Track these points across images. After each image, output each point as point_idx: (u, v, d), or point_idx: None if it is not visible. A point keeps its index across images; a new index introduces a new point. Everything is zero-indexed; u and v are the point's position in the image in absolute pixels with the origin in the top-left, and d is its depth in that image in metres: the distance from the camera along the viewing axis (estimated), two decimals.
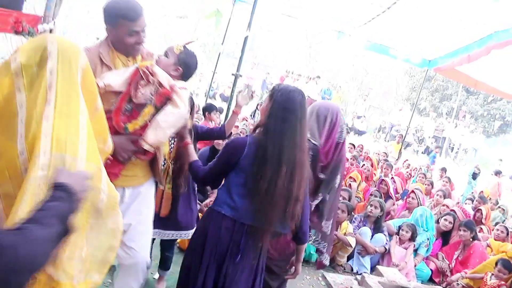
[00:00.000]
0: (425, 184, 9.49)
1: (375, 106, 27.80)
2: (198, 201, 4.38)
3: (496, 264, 5.71)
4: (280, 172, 2.66)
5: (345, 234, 5.81)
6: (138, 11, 2.64)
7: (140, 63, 2.78)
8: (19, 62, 1.71)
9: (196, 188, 4.13)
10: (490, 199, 10.64)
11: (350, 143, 11.01)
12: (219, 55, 10.77)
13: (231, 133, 4.12)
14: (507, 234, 7.21)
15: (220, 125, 4.26)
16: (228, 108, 6.48)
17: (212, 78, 12.33)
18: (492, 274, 5.72)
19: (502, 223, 9.17)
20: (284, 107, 2.72)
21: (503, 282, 5.63)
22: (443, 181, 10.65)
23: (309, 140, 3.24)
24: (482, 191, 11.53)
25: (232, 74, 6.35)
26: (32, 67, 1.72)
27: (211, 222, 2.79)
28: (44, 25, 4.78)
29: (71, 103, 1.75)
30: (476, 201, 9.51)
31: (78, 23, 19.04)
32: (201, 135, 4.00)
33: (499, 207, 10.16)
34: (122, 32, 2.65)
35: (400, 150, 13.69)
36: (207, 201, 5.61)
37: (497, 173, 14.65)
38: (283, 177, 2.67)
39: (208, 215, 2.87)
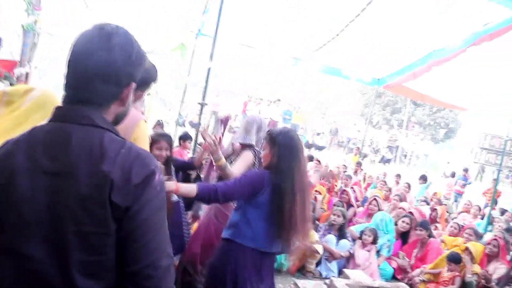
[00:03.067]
0: (384, 190, 9.63)
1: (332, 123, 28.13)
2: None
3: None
4: (296, 201, 2.86)
5: (312, 242, 5.83)
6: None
7: None
8: None
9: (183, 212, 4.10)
10: (446, 199, 10.92)
11: (316, 159, 11.10)
12: (185, 86, 10.77)
13: (202, 164, 4.20)
14: (459, 229, 7.40)
15: (190, 158, 4.30)
16: (197, 134, 6.46)
17: (181, 107, 12.32)
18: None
19: (449, 217, 9.45)
20: (289, 146, 2.95)
21: (457, 274, 5.76)
22: (404, 186, 10.84)
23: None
24: (435, 193, 11.79)
25: (199, 103, 6.36)
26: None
27: (232, 253, 2.88)
28: (20, 69, 4.74)
29: None
30: (433, 202, 9.76)
31: (55, 63, 18.78)
32: (175, 166, 4.00)
33: (445, 204, 10.47)
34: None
35: (358, 161, 13.86)
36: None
37: (452, 175, 15.19)
38: (299, 204, 2.88)
39: (229, 247, 2.92)
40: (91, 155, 1.19)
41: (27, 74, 6.66)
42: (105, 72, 1.25)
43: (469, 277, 5.70)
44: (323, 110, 27.96)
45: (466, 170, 14.80)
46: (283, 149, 2.94)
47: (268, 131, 3.18)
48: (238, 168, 3.49)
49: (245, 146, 3.71)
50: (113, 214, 1.17)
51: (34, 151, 1.22)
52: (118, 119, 1.36)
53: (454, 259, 5.82)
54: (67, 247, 1.16)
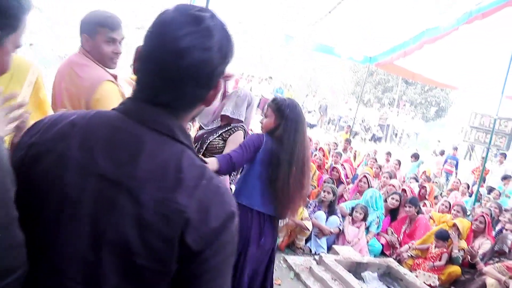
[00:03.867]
0: (374, 168, 9.70)
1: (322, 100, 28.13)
2: None
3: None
4: (291, 172, 3.04)
5: (301, 219, 5.88)
6: (117, 21, 2.49)
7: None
8: None
9: None
10: (435, 177, 11.03)
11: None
12: None
13: None
14: (449, 208, 7.50)
15: None
16: None
17: None
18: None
19: (440, 196, 9.58)
20: (296, 120, 3.13)
21: (444, 250, 5.86)
22: (394, 163, 10.92)
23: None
24: (424, 171, 11.92)
25: None
26: None
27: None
28: None
29: None
30: (422, 179, 9.86)
31: (43, 39, 18.57)
32: None
33: (434, 182, 10.59)
34: (100, 41, 2.45)
35: (348, 138, 13.88)
36: None
37: (441, 153, 15.33)
38: (294, 175, 3.06)
39: None
40: (165, 176, 0.99)
41: None
42: (199, 74, 1.04)
43: (455, 253, 5.81)
44: (314, 88, 27.91)
45: (455, 149, 14.94)
46: (290, 123, 3.10)
47: (274, 100, 3.30)
48: (231, 148, 3.50)
49: (231, 120, 3.70)
50: (180, 254, 0.97)
51: (92, 144, 1.01)
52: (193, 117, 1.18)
53: (442, 236, 5.92)
54: (105, 271, 0.98)
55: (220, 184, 1.07)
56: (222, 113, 3.64)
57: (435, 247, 5.96)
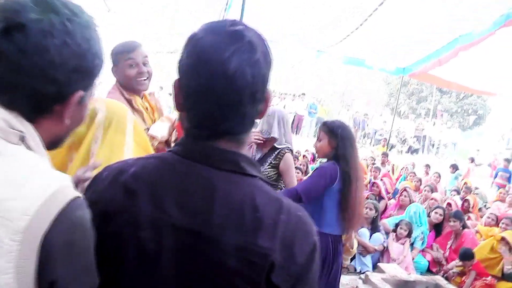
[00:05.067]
0: (414, 181, 9.49)
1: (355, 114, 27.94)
2: None
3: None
4: (358, 188, 3.30)
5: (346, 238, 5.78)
6: (133, 44, 2.61)
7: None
8: None
9: None
10: (476, 188, 10.63)
11: None
12: None
13: None
14: (497, 221, 7.22)
15: None
16: None
17: None
18: None
19: (484, 207, 9.22)
20: (349, 138, 3.36)
21: (470, 268, 5.74)
22: (434, 176, 10.64)
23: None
24: (465, 182, 11.55)
25: None
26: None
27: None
28: None
29: (112, 157, 1.65)
30: (463, 191, 9.54)
31: None
32: None
33: (477, 194, 10.20)
34: (123, 66, 2.58)
35: (385, 152, 13.64)
36: None
37: (472, 160, 14.88)
38: (360, 190, 3.35)
39: None
40: (243, 219, 0.95)
41: None
42: (255, 90, 0.99)
43: (508, 268, 5.57)
44: (348, 102, 27.75)
45: (508, 161, 14.16)
46: (346, 142, 3.31)
47: (325, 123, 3.47)
48: (291, 176, 3.66)
49: (270, 142, 3.69)
50: None
51: (162, 196, 0.97)
52: None
53: (466, 256, 5.72)
54: None
55: (300, 212, 1.02)
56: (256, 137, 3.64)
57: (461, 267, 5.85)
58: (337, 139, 3.31)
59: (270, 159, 3.60)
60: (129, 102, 2.59)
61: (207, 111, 0.98)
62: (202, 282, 0.94)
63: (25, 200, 0.78)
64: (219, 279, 0.93)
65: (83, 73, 0.95)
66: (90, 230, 0.88)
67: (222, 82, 0.94)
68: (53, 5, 0.88)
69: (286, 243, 0.95)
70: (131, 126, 1.82)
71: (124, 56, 2.57)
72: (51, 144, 0.99)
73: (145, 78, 2.63)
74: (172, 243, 0.95)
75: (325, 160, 3.50)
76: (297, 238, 0.97)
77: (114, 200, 0.99)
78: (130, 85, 2.61)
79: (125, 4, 9.18)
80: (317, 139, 3.45)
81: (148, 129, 2.61)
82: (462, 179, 11.58)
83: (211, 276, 0.94)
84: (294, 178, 3.68)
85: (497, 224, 7.07)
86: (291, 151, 3.74)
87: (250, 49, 0.97)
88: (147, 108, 2.74)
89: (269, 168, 3.56)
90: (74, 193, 0.85)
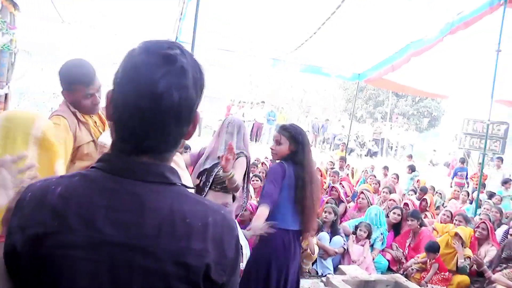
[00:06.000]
0: (373, 183, 9.70)
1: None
2: None
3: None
4: (313, 190, 3.47)
5: (307, 244, 5.84)
6: (91, 75, 2.55)
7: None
8: None
9: None
10: (432, 187, 10.97)
11: None
12: None
13: None
14: (451, 218, 7.48)
15: None
16: None
17: None
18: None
19: (442, 206, 9.53)
20: (307, 144, 3.55)
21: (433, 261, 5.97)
22: (392, 177, 10.88)
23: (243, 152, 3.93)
24: (418, 181, 11.88)
25: None
26: None
27: (269, 237, 3.26)
28: None
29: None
30: (418, 193, 9.82)
31: (34, 82, 18.66)
32: None
33: (437, 192, 10.53)
34: (78, 96, 2.56)
35: (343, 156, 13.83)
36: None
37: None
38: (315, 192, 3.52)
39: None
40: (174, 227, 0.99)
41: (6, 96, 6.60)
42: (181, 113, 1.02)
43: (461, 262, 5.79)
44: (306, 109, 28.10)
45: (462, 161, 14.70)
46: (305, 148, 3.49)
47: (286, 128, 3.55)
48: (238, 175, 3.69)
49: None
50: None
51: (93, 215, 0.98)
52: None
53: (432, 249, 5.94)
54: None
55: (223, 211, 1.10)
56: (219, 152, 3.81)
57: (428, 260, 6.02)
58: (297, 145, 3.46)
59: None
60: (75, 114, 2.62)
61: (131, 126, 1.01)
62: None
63: None
64: (160, 283, 0.98)
65: None
66: None
67: (148, 101, 0.97)
68: None
69: (216, 242, 1.03)
70: (37, 133, 1.81)
71: (82, 90, 2.54)
72: None
73: (98, 104, 2.69)
74: (107, 259, 0.96)
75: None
76: (224, 235, 1.05)
77: (43, 223, 0.98)
78: (83, 111, 2.66)
79: (77, 14, 9.04)
80: (276, 142, 3.53)
81: (93, 141, 2.67)
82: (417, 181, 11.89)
83: (150, 285, 0.97)
84: (239, 177, 3.69)
85: (452, 221, 7.33)
86: (246, 156, 3.87)
87: (180, 73, 1.00)
88: (95, 122, 2.77)
89: (221, 171, 3.60)
90: None
